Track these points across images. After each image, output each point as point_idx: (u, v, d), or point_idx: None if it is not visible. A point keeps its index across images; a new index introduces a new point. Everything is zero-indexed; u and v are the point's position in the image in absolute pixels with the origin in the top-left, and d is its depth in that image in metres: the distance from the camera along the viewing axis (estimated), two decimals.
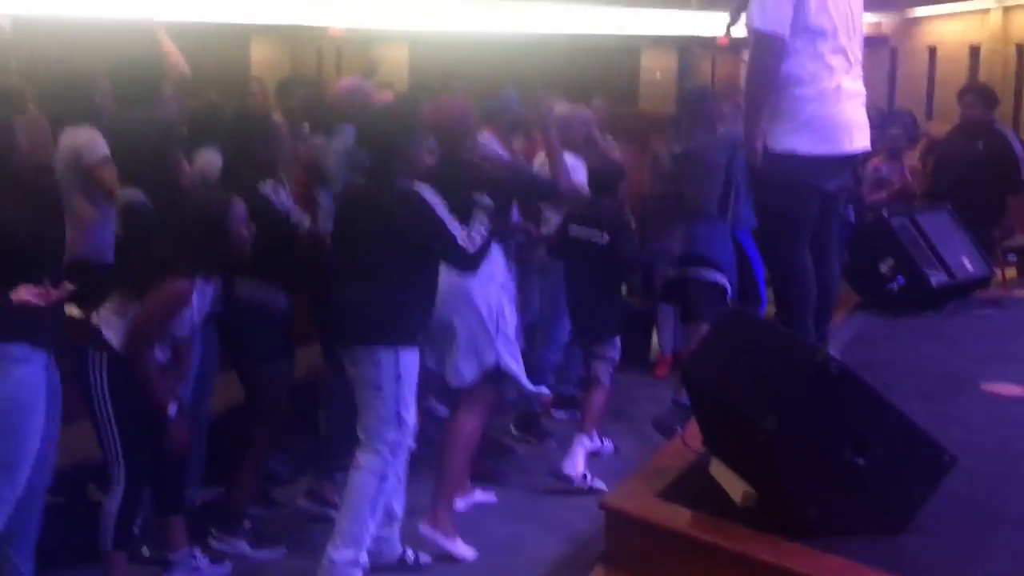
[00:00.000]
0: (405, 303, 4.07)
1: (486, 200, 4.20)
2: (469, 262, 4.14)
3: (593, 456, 5.42)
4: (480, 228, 4.11)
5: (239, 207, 3.97)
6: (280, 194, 4.57)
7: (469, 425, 4.63)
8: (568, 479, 5.17)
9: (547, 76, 14.92)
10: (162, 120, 4.91)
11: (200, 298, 3.94)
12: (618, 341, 5.51)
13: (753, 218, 5.02)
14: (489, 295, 4.53)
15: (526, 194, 5.15)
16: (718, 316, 4.05)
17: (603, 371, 5.43)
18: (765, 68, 4.19)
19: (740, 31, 4.61)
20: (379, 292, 4.02)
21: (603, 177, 5.58)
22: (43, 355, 3.54)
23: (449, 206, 4.11)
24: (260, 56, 25.06)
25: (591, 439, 5.38)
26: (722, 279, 5.59)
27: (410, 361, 4.08)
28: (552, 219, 5.83)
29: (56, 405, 3.69)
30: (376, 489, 4.05)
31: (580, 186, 5.32)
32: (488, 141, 5.14)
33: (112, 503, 3.89)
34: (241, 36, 24.22)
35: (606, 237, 5.38)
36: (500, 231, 4.60)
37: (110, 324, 3.85)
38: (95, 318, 3.89)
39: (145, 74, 5.02)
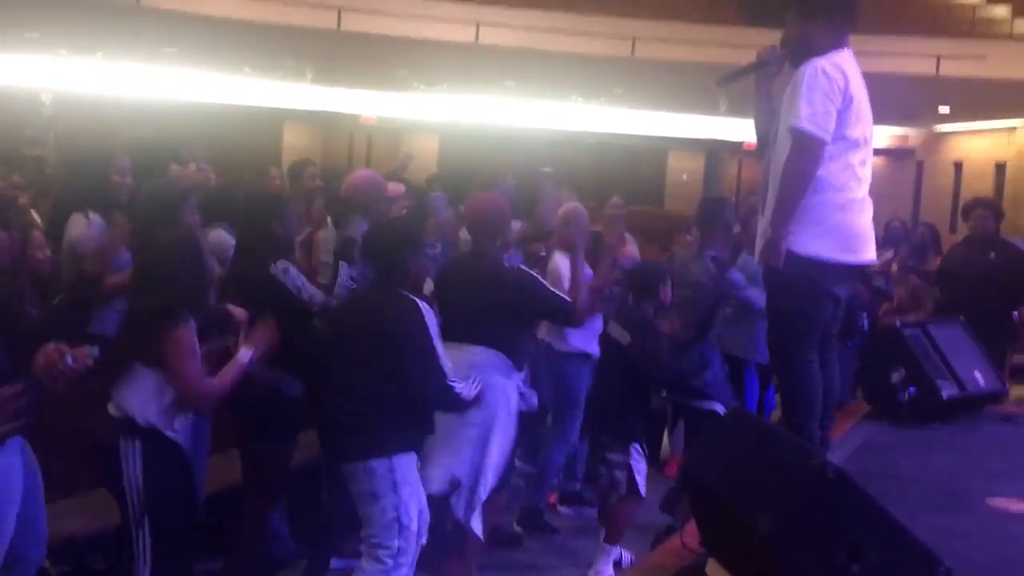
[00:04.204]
0: (397, 409, 4.05)
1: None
2: (457, 406, 4.17)
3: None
4: (476, 387, 4.18)
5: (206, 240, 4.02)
6: (290, 272, 4.52)
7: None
8: None
9: (574, 173, 15.12)
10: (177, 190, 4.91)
11: None
12: (638, 449, 5.26)
13: None
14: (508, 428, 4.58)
15: (543, 314, 5.08)
16: (720, 416, 4.04)
17: (622, 478, 5.21)
18: (804, 170, 4.08)
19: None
20: (367, 402, 4.02)
21: (644, 279, 5.41)
22: (18, 440, 3.44)
23: None
24: (292, 140, 25.48)
25: (617, 552, 5.32)
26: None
27: (406, 466, 4.04)
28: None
29: (36, 483, 3.68)
30: None
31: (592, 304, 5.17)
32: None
33: None
34: (275, 120, 24.65)
35: (628, 339, 5.24)
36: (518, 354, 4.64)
37: (138, 403, 3.77)
38: (113, 409, 3.82)
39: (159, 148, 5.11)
